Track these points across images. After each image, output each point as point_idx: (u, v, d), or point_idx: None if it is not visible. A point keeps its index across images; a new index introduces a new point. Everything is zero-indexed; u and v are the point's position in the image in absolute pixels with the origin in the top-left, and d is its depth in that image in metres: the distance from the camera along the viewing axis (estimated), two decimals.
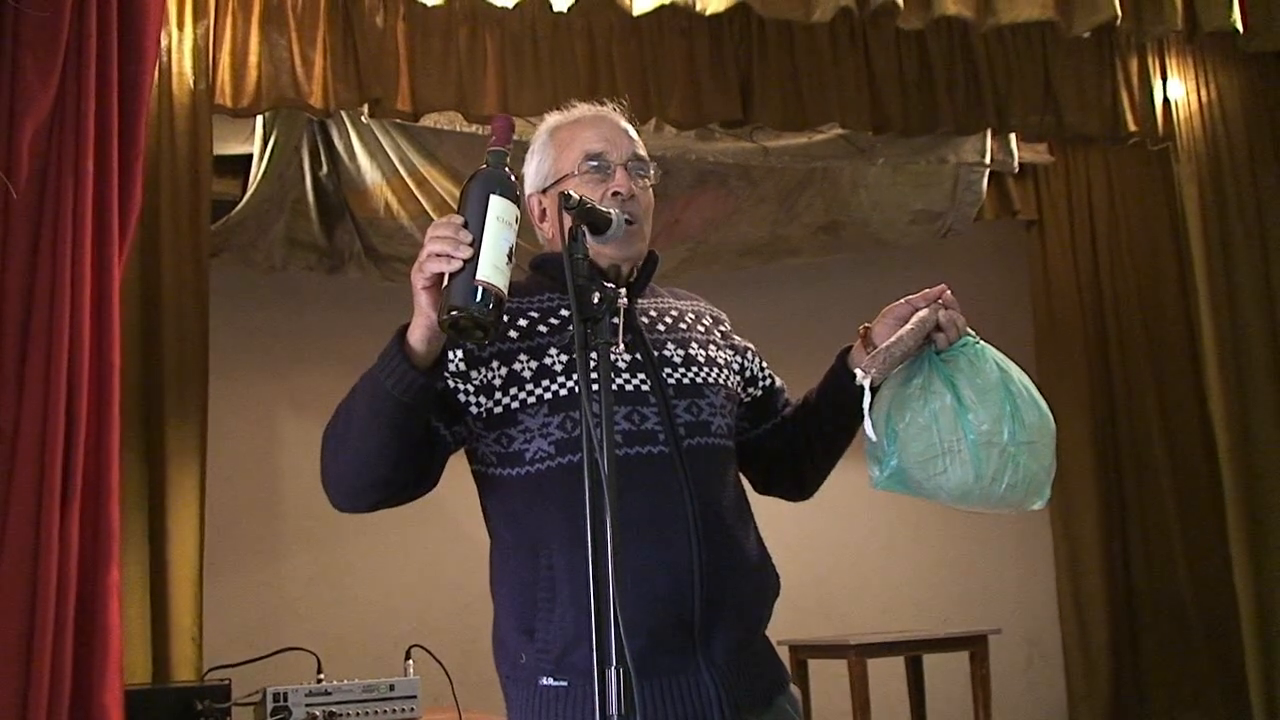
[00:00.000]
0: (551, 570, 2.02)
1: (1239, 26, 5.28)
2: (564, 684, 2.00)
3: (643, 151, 2.23)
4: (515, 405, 2.07)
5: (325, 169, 5.62)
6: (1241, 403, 6.08)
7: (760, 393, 2.34)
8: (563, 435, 2.04)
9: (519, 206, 1.87)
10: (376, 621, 5.89)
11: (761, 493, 2.38)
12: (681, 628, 2.00)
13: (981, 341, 2.15)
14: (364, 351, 6.65)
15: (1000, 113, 5.73)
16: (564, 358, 2.07)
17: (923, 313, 2.10)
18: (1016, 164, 6.47)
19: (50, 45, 3.37)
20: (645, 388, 2.09)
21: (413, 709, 3.95)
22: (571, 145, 2.20)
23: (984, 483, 2.07)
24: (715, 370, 2.20)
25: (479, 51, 5.01)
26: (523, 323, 2.11)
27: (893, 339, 2.08)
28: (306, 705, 3.82)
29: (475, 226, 1.81)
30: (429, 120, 5.25)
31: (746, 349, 2.36)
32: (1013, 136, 6.27)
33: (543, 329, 2.11)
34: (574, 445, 2.02)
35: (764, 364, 2.38)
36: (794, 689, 2.21)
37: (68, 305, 3.30)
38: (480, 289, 1.78)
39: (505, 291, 1.81)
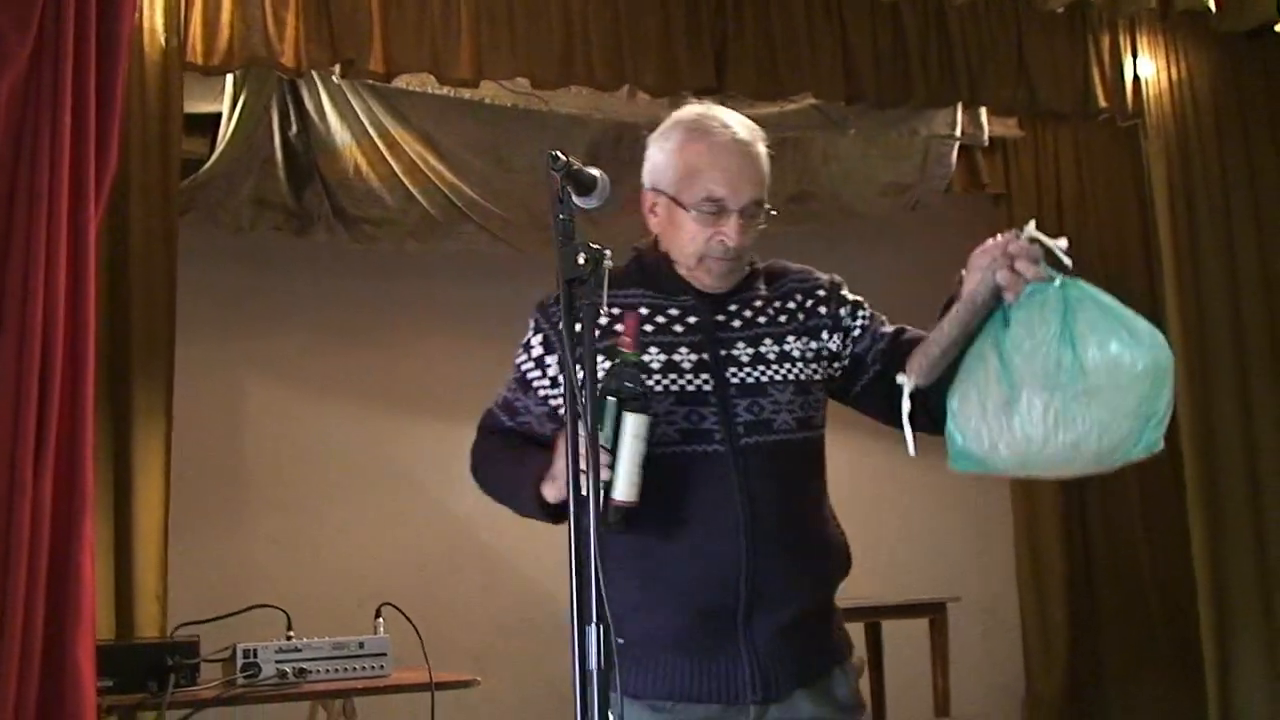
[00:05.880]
0: (621, 545, 2.12)
1: (1212, 6, 5.33)
2: (620, 641, 2.08)
3: (763, 194, 2.29)
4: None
5: (295, 129, 5.58)
6: (1204, 380, 6.14)
7: (848, 361, 2.34)
8: None
9: (650, 415, 2.04)
10: (343, 585, 5.88)
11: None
12: (724, 613, 2.13)
13: (1057, 281, 2.00)
14: (331, 316, 6.65)
15: (972, 86, 5.76)
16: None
17: (969, 293, 2.04)
18: (986, 138, 6.50)
19: (27, 2, 3.34)
20: (707, 388, 2.18)
21: (383, 666, 3.97)
22: (698, 179, 2.25)
23: (1035, 446, 1.98)
24: (786, 366, 2.25)
25: (453, 14, 4.98)
26: (603, 321, 2.18)
27: (931, 335, 2.07)
28: (276, 661, 3.83)
29: (612, 442, 2.00)
30: (401, 82, 5.23)
31: (836, 319, 2.33)
32: (983, 110, 6.30)
33: (619, 328, 2.19)
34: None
35: (861, 321, 2.35)
36: (855, 660, 2.32)
37: (43, 263, 3.28)
38: (615, 508, 2.01)
39: (637, 500, 2.02)
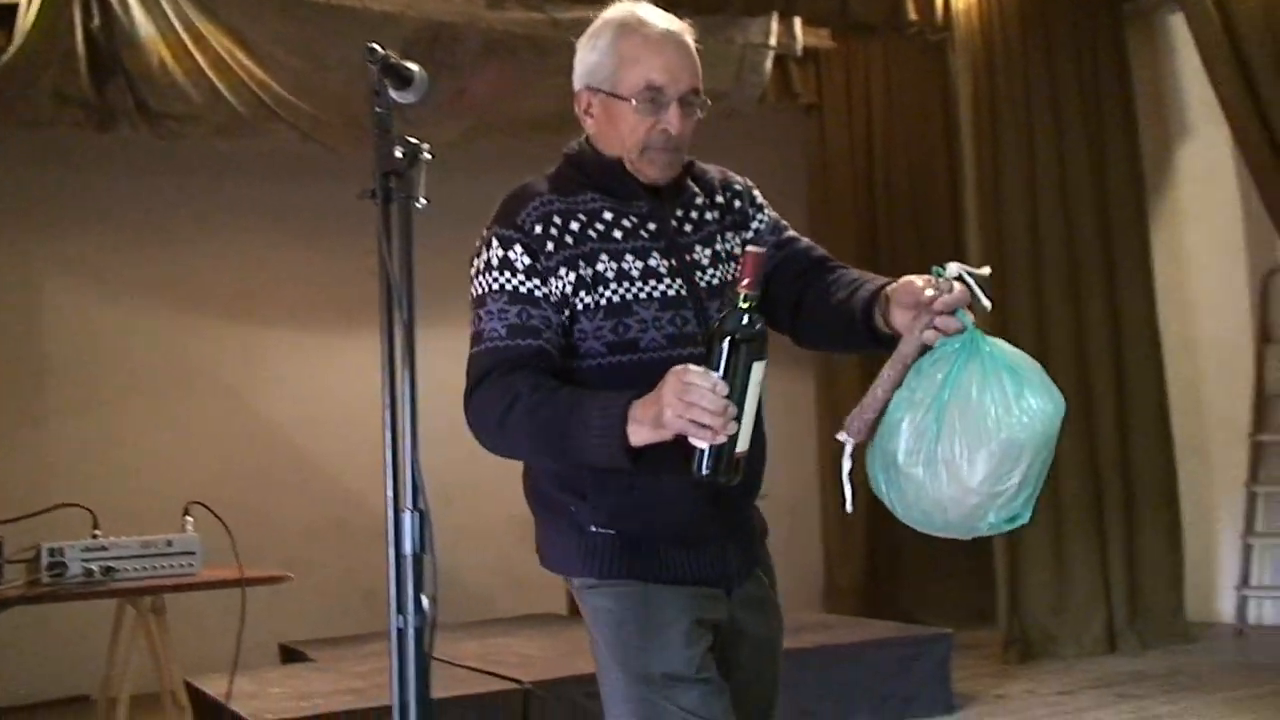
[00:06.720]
0: None
1: None
2: (611, 533, 2.24)
3: (699, 84, 2.29)
4: (580, 308, 2.21)
5: (97, 21, 5.40)
6: (1001, 286, 6.36)
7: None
8: (614, 338, 2.21)
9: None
10: (150, 485, 5.81)
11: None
12: (708, 509, 2.25)
13: (967, 328, 2.00)
14: (134, 214, 6.45)
15: None
16: (614, 265, 2.21)
17: (899, 354, 2.08)
18: (800, 48, 6.60)
19: None
20: (684, 292, 2.24)
21: (192, 564, 3.95)
22: (634, 67, 2.24)
23: (904, 505, 2.08)
24: (732, 265, 2.33)
25: None
26: (574, 226, 2.22)
27: (866, 399, 2.10)
28: (83, 560, 3.78)
29: (737, 396, 1.92)
30: None
31: (745, 217, 2.42)
32: (797, 20, 6.39)
33: (592, 234, 2.23)
34: (623, 347, 2.20)
35: (756, 224, 2.43)
36: None
37: None
38: (737, 462, 1.96)
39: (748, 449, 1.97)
